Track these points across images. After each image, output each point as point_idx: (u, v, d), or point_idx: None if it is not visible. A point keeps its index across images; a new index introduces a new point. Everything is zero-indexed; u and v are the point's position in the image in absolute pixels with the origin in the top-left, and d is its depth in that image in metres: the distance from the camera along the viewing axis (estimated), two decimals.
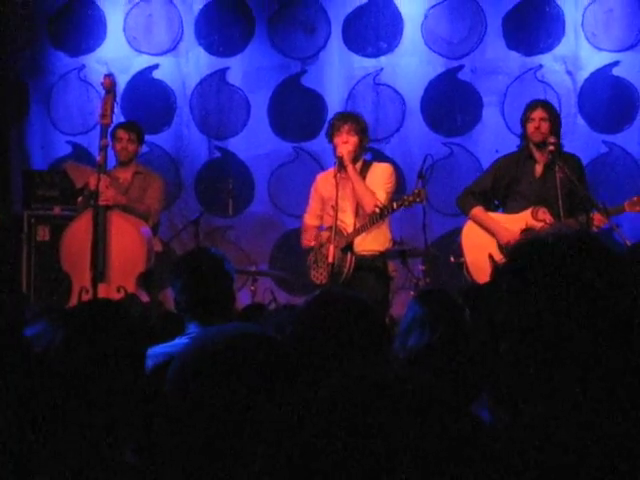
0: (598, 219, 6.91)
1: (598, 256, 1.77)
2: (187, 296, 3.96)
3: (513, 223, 7.17)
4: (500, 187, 7.33)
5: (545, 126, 7.15)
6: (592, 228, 6.85)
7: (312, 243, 7.36)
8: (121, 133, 7.79)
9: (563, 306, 1.72)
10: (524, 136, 7.30)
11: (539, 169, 7.23)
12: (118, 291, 7.14)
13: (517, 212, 7.20)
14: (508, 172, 7.29)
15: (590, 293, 1.72)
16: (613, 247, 1.82)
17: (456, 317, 3.74)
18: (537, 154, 7.23)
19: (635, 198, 7.08)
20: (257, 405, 1.88)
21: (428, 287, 6.06)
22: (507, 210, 7.34)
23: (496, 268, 1.86)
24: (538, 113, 7.19)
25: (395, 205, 6.90)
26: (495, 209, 7.44)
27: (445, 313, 3.70)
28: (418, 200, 6.82)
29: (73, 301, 7.15)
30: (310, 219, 7.53)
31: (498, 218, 7.33)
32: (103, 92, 7.42)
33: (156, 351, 3.49)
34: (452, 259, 7.56)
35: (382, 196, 7.09)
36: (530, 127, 7.19)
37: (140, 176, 7.86)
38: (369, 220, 7.04)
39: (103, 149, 7.21)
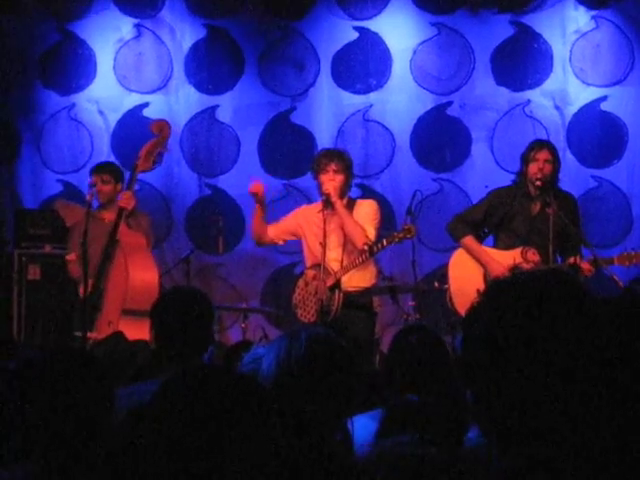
0: (587, 268, 6.90)
1: (572, 298, 1.77)
2: (159, 337, 3.93)
3: (502, 259, 7.12)
4: (492, 219, 7.30)
5: (548, 168, 7.08)
6: (581, 275, 6.84)
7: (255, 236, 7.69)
8: (93, 178, 7.82)
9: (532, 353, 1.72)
10: (522, 173, 7.22)
11: (535, 208, 7.17)
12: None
13: (508, 248, 7.17)
14: (502, 206, 7.23)
15: (564, 335, 1.72)
16: (589, 292, 1.81)
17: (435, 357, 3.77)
18: (534, 192, 7.17)
19: (625, 253, 7.04)
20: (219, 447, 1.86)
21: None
22: (499, 244, 7.31)
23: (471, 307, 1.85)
24: (544, 154, 7.10)
25: (385, 242, 6.88)
26: (484, 237, 7.42)
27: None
28: (409, 236, 6.81)
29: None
30: (270, 226, 7.60)
31: (489, 251, 7.31)
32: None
33: (131, 390, 3.50)
34: (436, 284, 7.55)
35: (372, 232, 7.10)
36: (533, 167, 7.08)
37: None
38: (358, 257, 7.03)
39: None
